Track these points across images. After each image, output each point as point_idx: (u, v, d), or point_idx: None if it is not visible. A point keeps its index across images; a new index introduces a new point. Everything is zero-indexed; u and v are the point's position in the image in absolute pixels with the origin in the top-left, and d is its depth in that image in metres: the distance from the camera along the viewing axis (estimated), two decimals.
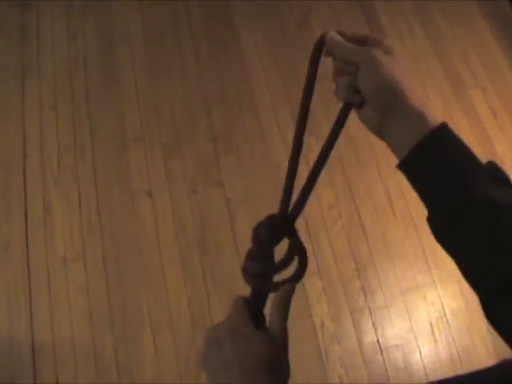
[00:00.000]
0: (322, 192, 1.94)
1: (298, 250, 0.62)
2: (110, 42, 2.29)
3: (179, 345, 1.73)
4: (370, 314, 1.79)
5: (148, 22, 2.34)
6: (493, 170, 0.55)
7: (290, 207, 0.63)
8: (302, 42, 2.28)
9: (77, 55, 2.26)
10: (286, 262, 0.61)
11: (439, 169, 0.56)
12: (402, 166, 0.58)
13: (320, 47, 0.65)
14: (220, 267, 1.84)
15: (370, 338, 1.76)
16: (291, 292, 0.59)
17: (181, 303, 1.79)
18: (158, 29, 2.33)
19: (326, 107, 2.12)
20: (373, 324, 1.78)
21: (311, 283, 1.82)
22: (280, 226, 0.62)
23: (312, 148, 2.02)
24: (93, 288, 1.82)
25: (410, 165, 0.58)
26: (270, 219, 0.62)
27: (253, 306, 0.61)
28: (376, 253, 1.88)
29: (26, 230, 1.91)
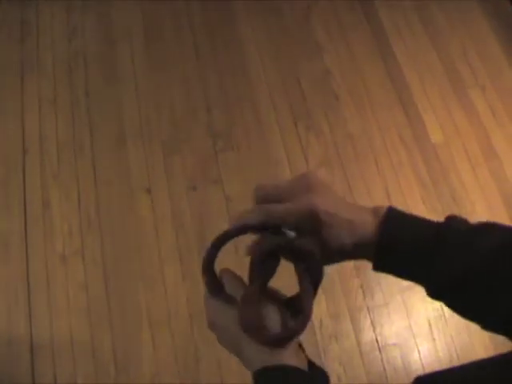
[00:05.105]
0: None
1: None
2: (110, 38, 2.29)
3: (178, 342, 1.73)
4: (369, 312, 1.79)
5: (148, 17, 2.33)
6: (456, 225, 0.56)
7: None
8: (302, 40, 2.28)
9: (76, 51, 2.26)
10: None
11: (411, 250, 0.56)
12: (381, 265, 0.58)
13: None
14: (219, 264, 1.83)
15: (368, 336, 1.76)
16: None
17: (179, 300, 1.79)
18: (158, 25, 2.32)
19: (325, 104, 2.12)
20: (371, 322, 1.78)
21: None
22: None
23: (311, 144, 2.03)
24: (91, 285, 1.82)
25: (385, 260, 0.58)
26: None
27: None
28: None
29: (25, 226, 1.90)
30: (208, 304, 0.62)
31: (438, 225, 0.57)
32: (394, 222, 0.57)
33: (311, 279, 0.58)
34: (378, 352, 1.73)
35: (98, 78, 2.20)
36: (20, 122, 2.10)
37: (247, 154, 2.03)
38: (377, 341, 1.75)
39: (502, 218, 1.93)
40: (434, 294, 0.57)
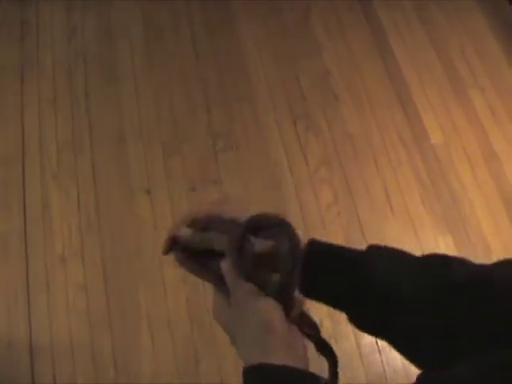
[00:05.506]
0: (321, 190, 1.94)
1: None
2: (110, 37, 2.29)
3: (177, 343, 1.73)
4: None
5: (148, 17, 2.33)
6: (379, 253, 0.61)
7: None
8: (301, 38, 2.27)
9: (76, 51, 2.26)
10: None
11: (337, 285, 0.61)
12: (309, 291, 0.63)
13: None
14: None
15: (367, 338, 1.75)
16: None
17: (179, 301, 1.78)
18: (157, 24, 2.32)
19: (323, 103, 2.11)
20: None
21: None
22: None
23: (310, 143, 2.03)
24: (91, 286, 1.81)
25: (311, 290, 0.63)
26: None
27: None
28: None
29: (25, 226, 1.90)
30: (214, 297, 0.64)
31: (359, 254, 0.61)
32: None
33: (289, 241, 0.59)
34: (377, 354, 1.73)
35: (97, 78, 2.20)
36: (20, 122, 2.10)
37: (246, 154, 2.03)
38: (376, 342, 1.74)
39: (502, 218, 1.92)
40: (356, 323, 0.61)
